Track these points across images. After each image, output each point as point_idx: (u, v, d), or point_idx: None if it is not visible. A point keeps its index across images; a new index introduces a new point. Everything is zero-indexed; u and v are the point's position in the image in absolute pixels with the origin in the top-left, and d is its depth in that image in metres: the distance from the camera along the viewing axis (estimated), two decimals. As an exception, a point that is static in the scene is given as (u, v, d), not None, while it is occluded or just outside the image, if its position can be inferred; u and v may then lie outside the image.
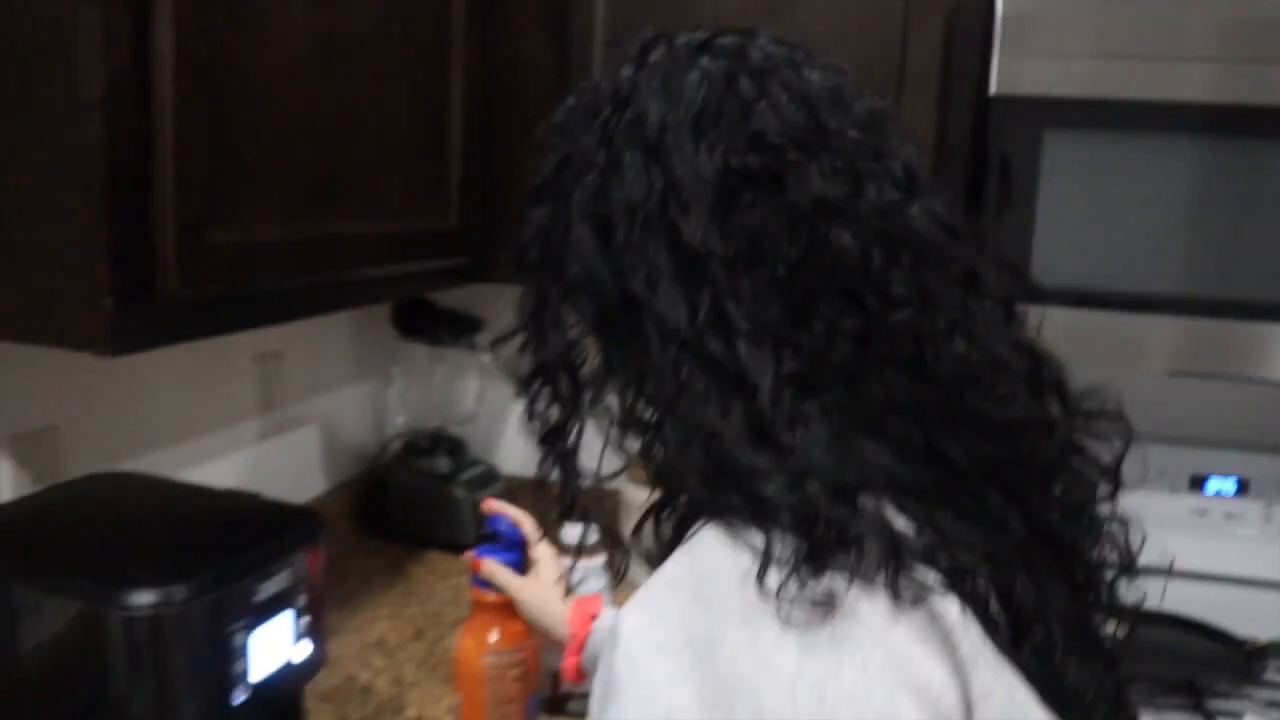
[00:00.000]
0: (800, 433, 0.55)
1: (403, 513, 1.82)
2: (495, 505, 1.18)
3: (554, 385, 0.65)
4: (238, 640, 0.72)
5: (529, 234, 0.65)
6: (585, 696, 1.21)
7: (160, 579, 0.68)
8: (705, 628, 0.52)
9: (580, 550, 1.19)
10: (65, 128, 0.82)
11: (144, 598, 0.66)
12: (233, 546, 0.75)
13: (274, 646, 0.77)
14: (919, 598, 0.52)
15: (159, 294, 0.87)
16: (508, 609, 1.13)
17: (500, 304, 1.92)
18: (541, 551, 1.15)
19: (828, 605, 0.51)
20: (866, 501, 0.54)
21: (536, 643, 1.15)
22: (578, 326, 0.64)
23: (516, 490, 1.90)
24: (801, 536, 0.52)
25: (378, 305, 1.84)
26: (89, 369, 1.25)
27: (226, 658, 0.71)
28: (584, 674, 1.07)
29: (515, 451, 1.96)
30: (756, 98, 0.59)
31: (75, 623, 0.68)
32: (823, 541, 0.52)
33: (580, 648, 1.06)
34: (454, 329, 1.81)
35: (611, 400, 0.62)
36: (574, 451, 0.67)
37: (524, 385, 0.67)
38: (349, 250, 1.15)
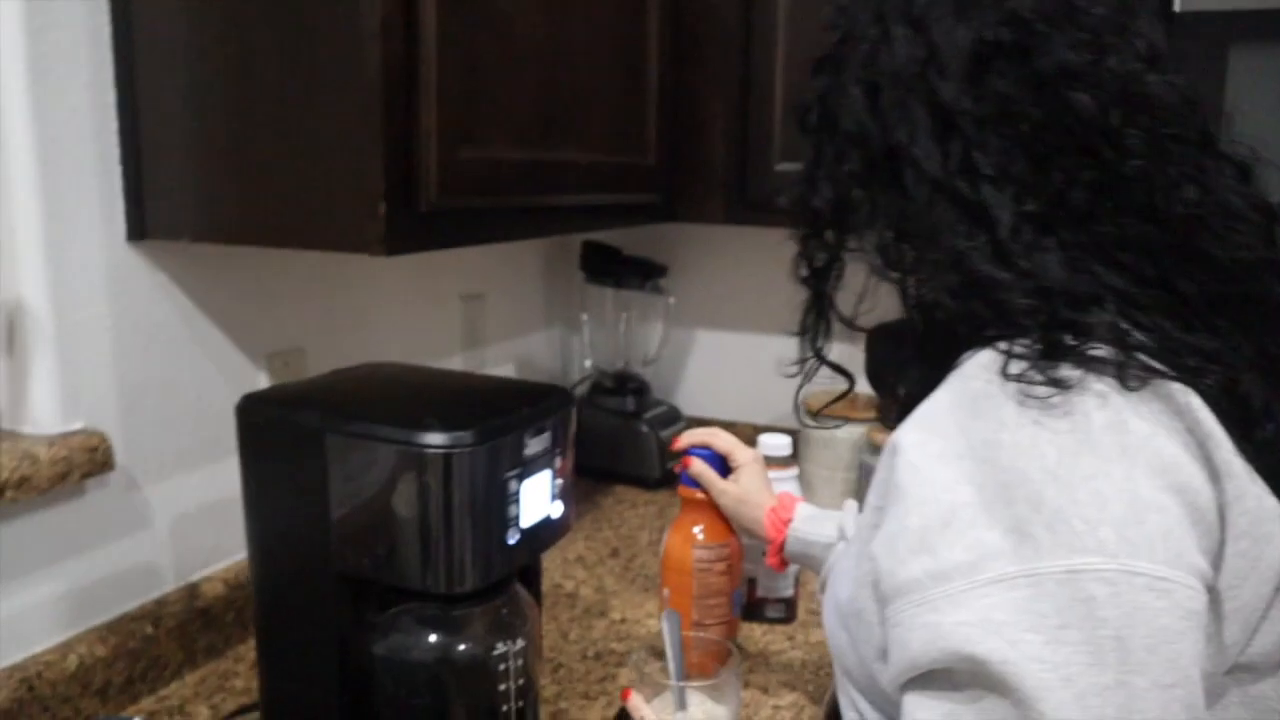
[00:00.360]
0: (1037, 257, 0.62)
1: (591, 448, 1.93)
2: (691, 436, 1.25)
3: (823, 230, 0.74)
4: (512, 486, 0.82)
5: (809, 99, 0.74)
6: (780, 602, 1.28)
7: (450, 426, 0.78)
8: (982, 436, 0.59)
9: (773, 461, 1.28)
10: (347, 58, 0.94)
11: (438, 439, 0.77)
12: (503, 407, 0.85)
13: (537, 499, 0.87)
14: (1162, 392, 0.58)
15: (422, 202, 0.98)
16: (714, 507, 1.22)
17: (682, 249, 2.04)
18: (741, 456, 1.23)
19: (1074, 391, 0.57)
20: (1100, 310, 0.61)
21: (740, 541, 1.24)
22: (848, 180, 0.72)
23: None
24: (1041, 337, 0.59)
25: (571, 250, 1.96)
26: (329, 300, 1.41)
27: (503, 499, 0.82)
28: (786, 564, 1.15)
29: (695, 393, 2.05)
30: None
31: (383, 462, 0.79)
32: (1058, 341, 0.59)
33: (780, 549, 1.14)
34: (640, 274, 1.91)
35: (870, 242, 0.70)
36: (832, 292, 0.76)
37: (798, 232, 0.77)
38: (567, 175, 1.25)
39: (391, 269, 1.54)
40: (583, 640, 1.32)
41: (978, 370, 0.62)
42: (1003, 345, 0.61)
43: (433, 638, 0.87)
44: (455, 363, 1.73)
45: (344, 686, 0.87)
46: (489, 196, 1.09)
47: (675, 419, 1.97)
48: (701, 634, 1.15)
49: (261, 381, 1.28)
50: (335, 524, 0.83)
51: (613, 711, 1.14)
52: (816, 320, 0.78)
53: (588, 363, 2.01)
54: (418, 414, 0.81)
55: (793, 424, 1.92)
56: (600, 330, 1.99)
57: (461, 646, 0.87)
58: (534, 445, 0.85)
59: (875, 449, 1.67)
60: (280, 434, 0.84)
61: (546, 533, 0.89)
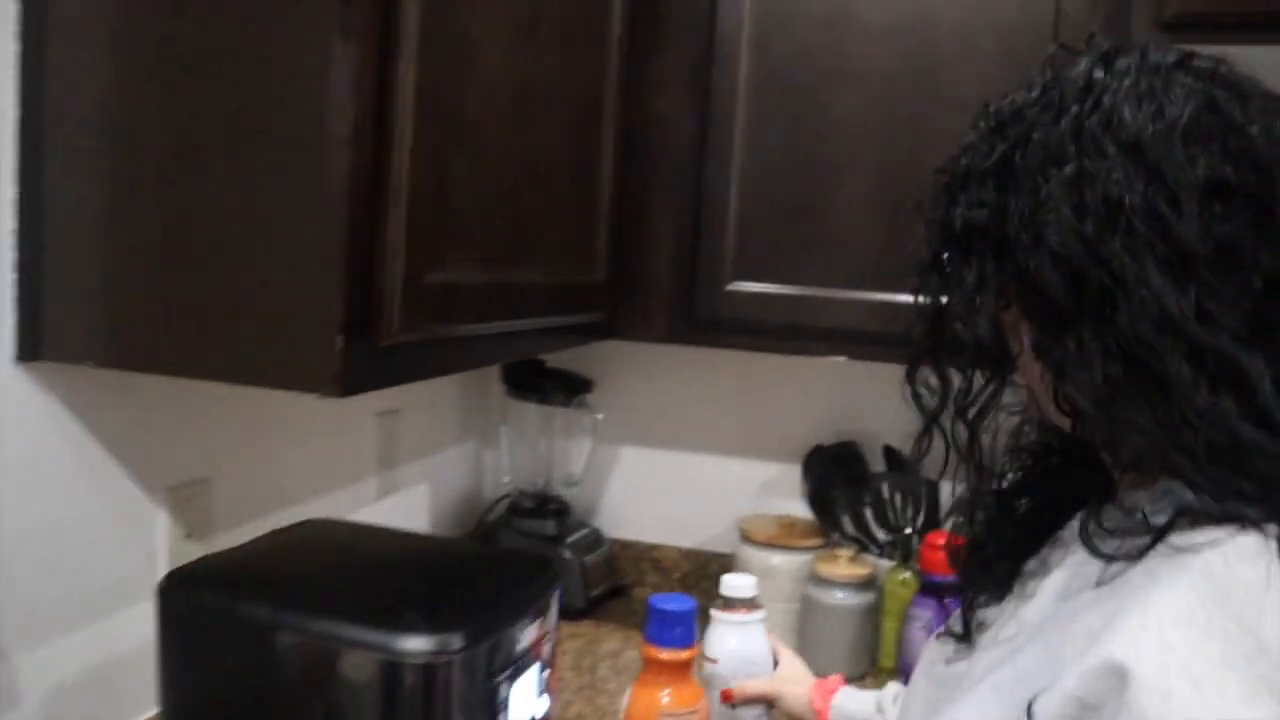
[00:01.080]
0: None
1: (510, 575, 1.79)
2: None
3: (980, 359, 0.68)
4: (502, 692, 0.68)
5: (974, 212, 0.66)
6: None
7: (434, 625, 0.64)
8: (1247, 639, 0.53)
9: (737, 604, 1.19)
10: (309, 164, 0.81)
11: (419, 644, 0.63)
12: (490, 591, 0.72)
13: (525, 700, 0.73)
14: None
15: (383, 334, 0.85)
16: (681, 668, 1.09)
17: (610, 364, 1.93)
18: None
19: None
20: None
21: (708, 707, 1.11)
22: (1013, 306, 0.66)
23: (617, 554, 1.87)
24: None
25: (490, 366, 1.83)
26: (238, 424, 1.24)
27: (491, 710, 0.68)
28: None
29: (619, 515, 1.92)
30: (1244, 120, 0.61)
31: (348, 669, 0.65)
32: None
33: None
34: (565, 388, 1.79)
35: (1035, 375, 0.66)
36: (982, 431, 0.71)
37: (949, 360, 0.71)
38: (526, 297, 1.14)
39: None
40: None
41: (1243, 558, 0.56)
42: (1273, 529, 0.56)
43: None
44: (370, 485, 1.57)
45: None
46: (450, 324, 0.96)
47: (599, 543, 1.84)
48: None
49: (160, 520, 1.11)
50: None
51: None
52: (968, 458, 0.71)
53: (507, 479, 1.87)
54: (391, 604, 0.67)
55: (722, 548, 1.83)
56: (521, 447, 1.86)
57: None
58: (525, 637, 0.71)
59: (819, 581, 1.58)
60: (215, 623, 0.68)
61: (533, 737, 0.76)
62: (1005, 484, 0.78)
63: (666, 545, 1.89)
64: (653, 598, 1.11)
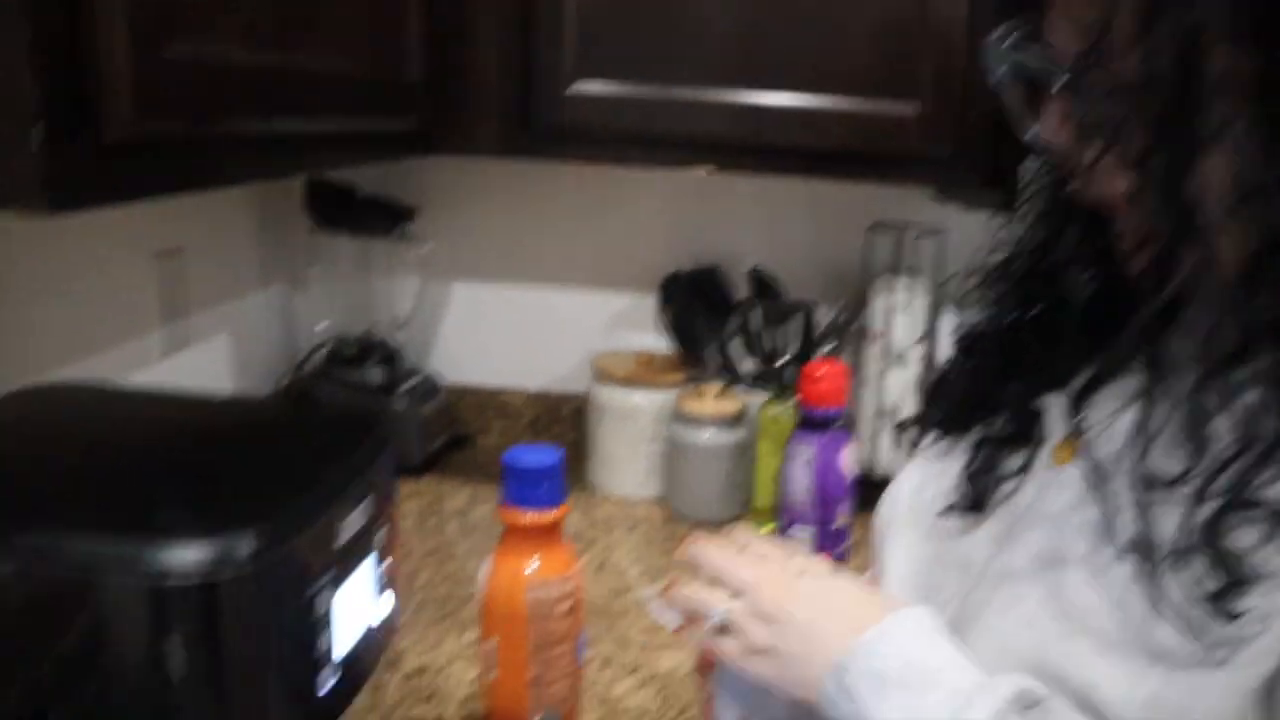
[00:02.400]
0: None
1: (335, 434, 1.57)
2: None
3: (1156, 101, 0.47)
4: (320, 603, 0.49)
5: None
6: None
7: (210, 528, 0.44)
8: None
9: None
10: None
11: (188, 556, 0.43)
12: (296, 474, 0.51)
13: (357, 605, 0.54)
14: None
15: (107, 127, 0.61)
16: (548, 531, 0.92)
17: (434, 187, 1.68)
18: None
19: None
20: None
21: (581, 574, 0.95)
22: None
23: (456, 401, 1.68)
24: None
25: (291, 190, 1.55)
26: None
27: (308, 631, 0.48)
28: None
29: (456, 358, 1.72)
30: None
31: (73, 602, 0.44)
32: None
33: None
34: (383, 218, 1.55)
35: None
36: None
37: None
38: (317, 90, 0.89)
39: (55, 220, 1.09)
40: (379, 708, 0.99)
41: None
42: None
43: None
44: (154, 340, 1.31)
45: None
46: (206, 116, 0.71)
47: (434, 390, 1.63)
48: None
49: None
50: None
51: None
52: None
53: (321, 326, 1.63)
54: (146, 500, 0.46)
55: (575, 388, 1.66)
56: (336, 288, 1.61)
57: None
58: (350, 525, 0.51)
59: (685, 419, 1.43)
60: None
61: (370, 650, 0.56)
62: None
63: (512, 389, 1.71)
64: (508, 453, 0.92)
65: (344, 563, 0.51)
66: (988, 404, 0.66)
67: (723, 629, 0.65)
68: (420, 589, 1.23)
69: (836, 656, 0.57)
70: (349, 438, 0.55)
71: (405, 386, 1.59)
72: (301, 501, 0.48)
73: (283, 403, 0.61)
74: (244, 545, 0.43)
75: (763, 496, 1.44)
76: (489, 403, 1.72)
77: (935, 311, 1.46)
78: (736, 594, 0.65)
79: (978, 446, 0.66)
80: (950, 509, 0.66)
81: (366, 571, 0.53)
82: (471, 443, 1.71)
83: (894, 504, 0.74)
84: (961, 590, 0.63)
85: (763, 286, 1.55)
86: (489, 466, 1.58)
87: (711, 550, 0.67)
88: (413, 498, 1.50)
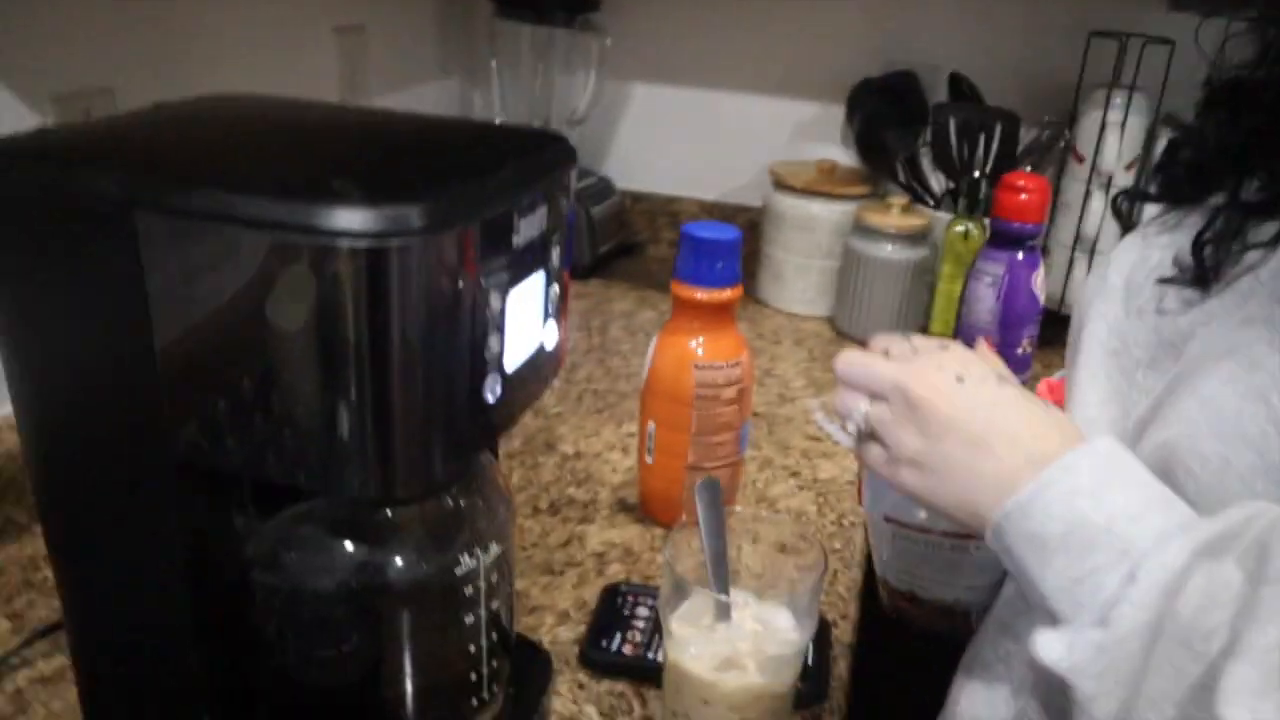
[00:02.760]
0: None
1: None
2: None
3: None
4: (495, 301, 0.46)
5: None
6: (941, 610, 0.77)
7: (380, 195, 0.41)
8: None
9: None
10: None
11: (359, 219, 0.40)
12: (472, 161, 0.47)
13: (527, 320, 0.51)
14: None
15: None
16: (720, 311, 0.88)
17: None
18: None
19: None
20: None
21: (750, 361, 0.91)
22: None
23: (628, 207, 1.63)
24: None
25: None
26: (152, 29, 0.97)
27: (480, 325, 0.45)
28: None
29: (631, 162, 1.67)
30: None
31: (248, 262, 0.41)
32: None
33: None
34: (566, 6, 1.49)
35: None
36: None
37: None
38: None
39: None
40: (530, 486, 1.00)
41: None
42: None
43: (351, 551, 0.52)
44: (330, 116, 1.30)
45: (200, 630, 0.52)
46: None
47: (608, 192, 1.60)
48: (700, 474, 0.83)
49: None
50: (162, 374, 0.45)
51: (588, 589, 0.84)
52: None
53: (498, 120, 1.60)
54: (314, 173, 0.43)
55: (750, 200, 1.59)
56: (514, 81, 1.57)
57: (400, 563, 0.53)
58: (526, 230, 0.48)
59: (866, 232, 1.35)
60: (53, 208, 0.44)
61: (538, 375, 0.54)
62: None
63: (686, 198, 1.66)
64: (688, 225, 0.88)
65: (518, 266, 0.47)
66: (1243, 161, 0.57)
67: (870, 434, 0.59)
68: (583, 382, 1.22)
69: (993, 514, 0.50)
70: (531, 145, 0.51)
71: (578, 186, 1.55)
72: (477, 186, 0.44)
73: (466, 121, 0.58)
74: (414, 217, 0.40)
75: (940, 322, 1.36)
76: (662, 210, 1.67)
77: (1152, 134, 1.31)
78: (877, 398, 0.58)
79: (1217, 211, 0.57)
80: (1171, 280, 0.58)
81: (536, 287, 0.50)
82: (642, 250, 1.68)
83: (1102, 280, 0.66)
84: (1169, 371, 0.55)
85: (961, 93, 1.42)
86: (658, 275, 1.55)
87: (854, 353, 0.60)
88: (580, 298, 1.48)
